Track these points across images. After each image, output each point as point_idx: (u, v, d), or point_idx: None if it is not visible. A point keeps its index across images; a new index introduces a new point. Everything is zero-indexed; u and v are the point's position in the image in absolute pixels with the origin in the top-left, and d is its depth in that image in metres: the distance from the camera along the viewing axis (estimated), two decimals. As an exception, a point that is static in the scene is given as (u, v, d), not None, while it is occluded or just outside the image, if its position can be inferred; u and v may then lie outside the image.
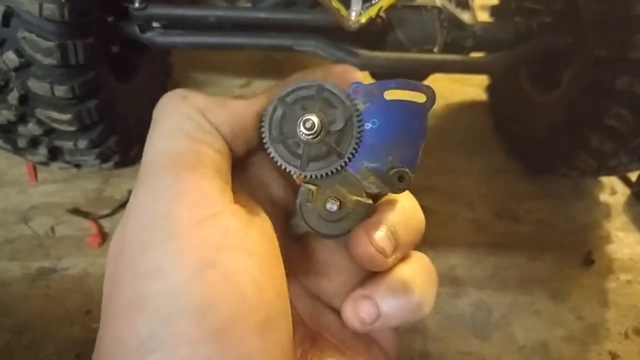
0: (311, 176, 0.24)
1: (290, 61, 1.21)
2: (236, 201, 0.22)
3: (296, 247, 0.27)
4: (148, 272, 0.19)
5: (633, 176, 1.00)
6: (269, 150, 0.24)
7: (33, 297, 0.77)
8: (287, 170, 0.24)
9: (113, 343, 0.18)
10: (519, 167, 1.03)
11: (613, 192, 1.01)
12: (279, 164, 0.24)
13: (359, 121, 0.24)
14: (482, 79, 1.17)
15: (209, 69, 1.20)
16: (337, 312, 0.26)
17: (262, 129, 0.24)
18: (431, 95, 0.24)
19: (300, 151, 0.24)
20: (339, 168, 0.24)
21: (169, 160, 0.21)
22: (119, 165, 0.91)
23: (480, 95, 1.18)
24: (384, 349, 0.26)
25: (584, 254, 0.90)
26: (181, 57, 1.17)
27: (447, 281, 0.84)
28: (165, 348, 0.17)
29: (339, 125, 0.24)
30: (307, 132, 0.23)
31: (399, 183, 0.23)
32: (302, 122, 0.23)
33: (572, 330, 0.80)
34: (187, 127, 0.22)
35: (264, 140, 0.24)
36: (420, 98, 0.24)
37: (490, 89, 1.15)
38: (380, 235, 0.23)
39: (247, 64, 1.22)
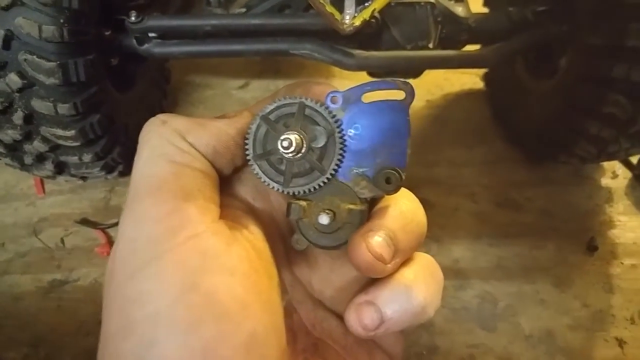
0: (295, 192, 0.24)
1: (287, 62, 1.22)
2: (224, 217, 0.23)
3: (300, 255, 0.27)
4: (133, 298, 0.19)
5: (634, 159, 1.01)
6: (252, 167, 0.24)
7: (47, 310, 0.79)
8: (271, 186, 0.24)
9: None
10: (519, 156, 1.03)
11: (615, 176, 1.01)
12: (262, 180, 0.24)
13: (341, 137, 0.24)
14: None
15: (207, 72, 1.20)
16: (340, 318, 0.26)
17: (246, 146, 0.24)
18: (409, 90, 0.24)
19: (283, 167, 0.24)
20: (322, 184, 0.24)
21: (151, 186, 0.21)
22: (124, 174, 0.92)
23: (478, 83, 1.17)
24: (389, 353, 0.27)
25: (586, 240, 0.90)
26: (179, 62, 1.18)
27: (452, 274, 0.86)
28: None
29: (321, 141, 0.24)
30: (285, 151, 0.23)
31: (388, 185, 0.24)
32: (280, 142, 0.23)
33: (577, 318, 0.81)
34: (168, 151, 0.22)
35: (248, 157, 0.24)
36: (399, 95, 0.24)
37: (487, 78, 1.15)
38: (377, 241, 0.22)
39: (244, 65, 1.22)
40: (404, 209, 0.24)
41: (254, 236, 0.23)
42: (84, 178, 0.86)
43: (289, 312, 0.26)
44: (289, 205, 0.25)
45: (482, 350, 0.77)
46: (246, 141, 0.24)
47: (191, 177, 0.22)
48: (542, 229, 0.93)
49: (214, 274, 0.20)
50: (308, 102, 0.24)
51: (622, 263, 0.88)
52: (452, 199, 0.96)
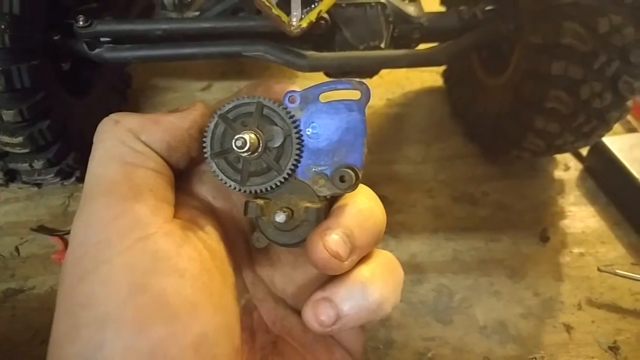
0: (252, 191, 0.25)
1: (250, 63, 1.22)
2: (181, 216, 0.23)
3: (262, 253, 0.27)
4: (81, 301, 0.19)
5: (585, 151, 1.04)
6: (210, 165, 0.25)
7: (0, 320, 0.78)
8: (228, 185, 0.25)
9: None
10: (477, 151, 1.06)
11: (566, 168, 1.05)
12: (219, 178, 0.25)
13: (298, 137, 0.25)
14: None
15: (169, 75, 1.20)
16: (300, 315, 0.26)
17: (204, 144, 0.25)
18: (365, 90, 0.25)
19: (240, 166, 0.24)
20: (279, 183, 0.25)
21: (102, 188, 0.22)
22: (82, 179, 0.91)
23: (437, 81, 1.20)
24: (348, 349, 0.27)
25: (539, 231, 0.93)
26: (140, 65, 1.17)
27: (409, 269, 0.87)
28: None
29: (277, 141, 0.24)
30: (240, 151, 0.24)
31: (342, 183, 0.24)
32: (234, 142, 0.23)
33: (529, 307, 0.84)
34: (120, 152, 0.23)
35: (205, 155, 0.25)
36: (355, 95, 0.25)
37: (446, 75, 1.17)
38: (334, 239, 0.23)
39: (207, 67, 1.22)
40: (361, 207, 0.25)
41: (208, 236, 0.23)
42: (38, 185, 0.85)
43: (249, 310, 0.26)
44: (246, 203, 0.25)
45: (438, 342, 0.79)
46: (204, 139, 0.25)
47: (143, 177, 0.22)
48: (498, 222, 0.95)
49: (164, 276, 0.20)
50: (266, 102, 0.24)
51: (571, 252, 0.91)
52: (410, 195, 0.98)
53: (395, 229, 0.92)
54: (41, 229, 0.89)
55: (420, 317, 0.82)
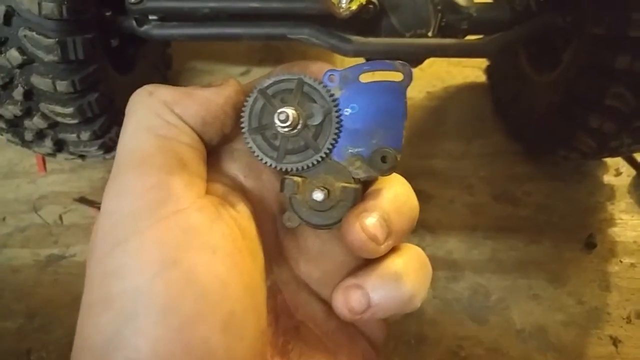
0: (288, 169, 0.24)
1: (288, 49, 1.22)
2: (212, 192, 0.23)
3: (289, 236, 0.27)
4: (112, 272, 0.19)
5: (639, 157, 0.98)
6: (246, 141, 0.24)
7: (43, 283, 0.81)
8: (264, 161, 0.24)
9: (81, 341, 0.19)
10: (519, 150, 1.02)
11: (618, 174, 0.99)
12: (256, 154, 0.24)
13: (337, 116, 0.24)
14: (481, 61, 1.15)
15: (208, 58, 1.21)
16: (324, 302, 0.26)
17: (242, 119, 0.24)
18: (407, 72, 0.24)
19: (277, 143, 0.24)
20: (316, 162, 0.24)
21: (135, 159, 0.21)
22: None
23: (480, 77, 1.16)
24: (371, 340, 0.26)
25: (585, 237, 0.89)
26: (181, 48, 1.19)
27: (445, 265, 0.85)
28: (128, 347, 0.18)
29: (317, 119, 0.24)
30: (281, 125, 0.23)
31: (383, 164, 0.24)
32: (276, 115, 0.23)
33: (572, 315, 0.80)
34: (154, 124, 0.22)
35: (242, 130, 0.24)
36: (397, 77, 0.24)
37: (489, 70, 1.13)
38: (372, 221, 0.22)
39: (246, 52, 1.23)
40: (397, 192, 0.24)
41: (240, 214, 0.23)
42: (82, 156, 0.87)
43: (273, 292, 0.25)
44: (282, 180, 0.25)
45: (472, 342, 0.77)
46: (242, 114, 0.24)
47: (177, 150, 0.22)
48: (539, 224, 0.91)
49: (196, 252, 0.20)
50: (307, 79, 0.24)
51: (620, 261, 0.86)
52: (448, 191, 0.95)
53: (432, 224, 0.89)
54: (83, 200, 0.91)
55: (454, 315, 0.79)
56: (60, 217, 0.90)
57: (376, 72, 0.25)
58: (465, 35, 0.90)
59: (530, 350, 0.76)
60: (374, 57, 0.89)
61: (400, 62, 0.24)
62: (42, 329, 0.76)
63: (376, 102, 0.24)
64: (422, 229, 0.88)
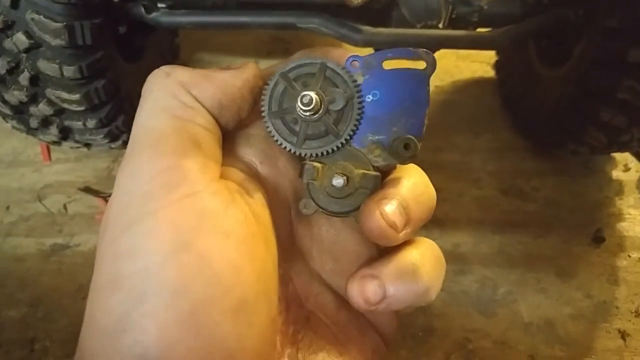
0: (306, 154, 0.24)
1: (296, 41, 1.21)
2: (227, 177, 0.22)
3: (303, 223, 0.26)
4: (124, 252, 0.19)
5: (648, 153, 0.98)
6: (266, 125, 0.24)
7: (47, 272, 0.80)
8: (283, 146, 0.24)
9: (89, 323, 0.19)
10: (527, 145, 1.01)
11: (626, 169, 0.99)
12: (275, 138, 0.24)
13: (360, 102, 0.24)
14: (490, 56, 1.15)
15: (216, 50, 1.20)
16: (336, 293, 0.26)
17: (262, 103, 0.24)
18: (431, 61, 0.24)
19: (297, 128, 0.24)
20: (335, 148, 0.24)
21: (150, 140, 0.21)
22: (127, 144, 0.93)
23: (488, 72, 1.15)
24: (381, 332, 0.26)
25: (593, 231, 0.88)
26: (188, 39, 1.18)
27: (452, 258, 0.84)
28: (136, 329, 0.17)
29: (339, 104, 0.23)
30: (304, 109, 0.23)
31: (405, 151, 0.23)
32: (300, 98, 0.23)
33: (580, 308, 0.79)
34: (170, 105, 0.22)
35: (263, 114, 0.24)
36: (420, 65, 0.24)
37: (498, 65, 1.13)
38: (391, 208, 0.22)
39: (253, 44, 1.22)
40: (416, 181, 0.24)
41: (254, 201, 0.23)
42: (88, 145, 0.86)
43: (285, 281, 0.25)
44: (302, 165, 0.24)
45: (479, 334, 0.76)
46: (262, 98, 0.24)
47: (192, 132, 0.21)
48: (548, 219, 0.91)
49: (209, 235, 0.19)
50: (329, 64, 0.24)
51: (629, 256, 0.86)
52: (456, 185, 0.94)
53: (439, 217, 0.89)
54: (87, 189, 0.91)
55: (462, 308, 0.79)
56: (65, 207, 0.89)
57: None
58: (475, 28, 0.89)
59: (538, 343, 0.75)
60: (385, 48, 0.88)
61: (424, 50, 0.24)
62: (46, 318, 0.75)
63: (399, 90, 0.24)
64: (429, 222, 0.87)
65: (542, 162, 0.99)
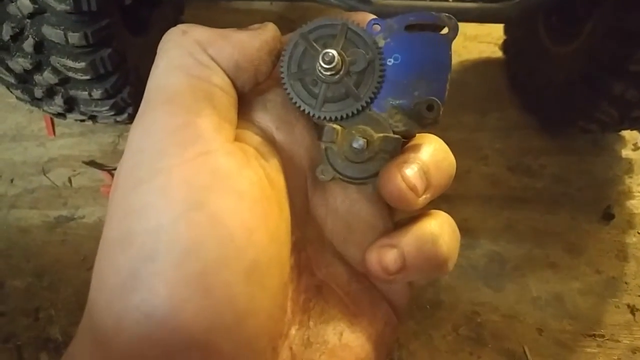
0: (325, 117, 0.23)
1: (302, 20, 1.19)
2: (241, 140, 0.22)
3: (319, 192, 0.26)
4: (135, 209, 0.18)
5: (657, 132, 0.97)
6: (285, 86, 0.23)
7: (51, 244, 0.80)
8: (302, 108, 0.23)
9: (97, 281, 0.18)
10: (534, 124, 1.00)
11: (636, 148, 0.98)
12: (293, 101, 0.23)
13: (381, 65, 0.23)
14: (497, 36, 1.14)
15: (222, 28, 1.19)
16: (348, 264, 0.25)
17: (281, 64, 0.23)
18: (454, 25, 0.23)
19: (317, 90, 0.23)
20: (355, 112, 0.23)
21: (165, 97, 0.20)
22: (133, 118, 0.92)
23: (496, 52, 1.14)
24: (393, 304, 0.26)
25: (602, 209, 0.87)
26: (193, 18, 1.17)
27: (460, 232, 0.82)
28: (145, 288, 0.17)
29: (360, 66, 0.23)
30: (326, 67, 0.22)
31: (429, 113, 0.23)
32: (321, 56, 0.22)
33: (589, 283, 0.79)
34: (186, 63, 0.21)
35: (281, 75, 0.23)
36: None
37: (505, 45, 1.12)
38: (412, 172, 0.22)
39: (261, 23, 1.21)
40: (437, 147, 0.24)
41: (269, 165, 0.22)
42: (93, 118, 0.85)
43: (298, 249, 0.24)
44: (321, 128, 0.24)
45: (488, 308, 0.75)
46: (281, 59, 0.23)
47: (208, 92, 0.21)
48: (556, 196, 0.90)
49: (222, 195, 0.19)
50: (351, 25, 0.23)
51: (638, 233, 0.85)
52: (464, 162, 0.93)
53: (447, 193, 0.86)
54: (92, 163, 0.90)
55: (470, 282, 0.78)
56: (70, 180, 0.88)
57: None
58: (486, 1, 0.88)
59: (547, 317, 0.75)
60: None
61: (447, 14, 0.23)
62: (51, 287, 0.75)
63: (420, 54, 0.23)
64: (437, 197, 0.86)
65: (549, 141, 0.98)
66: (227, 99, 0.22)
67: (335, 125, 0.23)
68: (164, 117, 0.20)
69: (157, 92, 0.21)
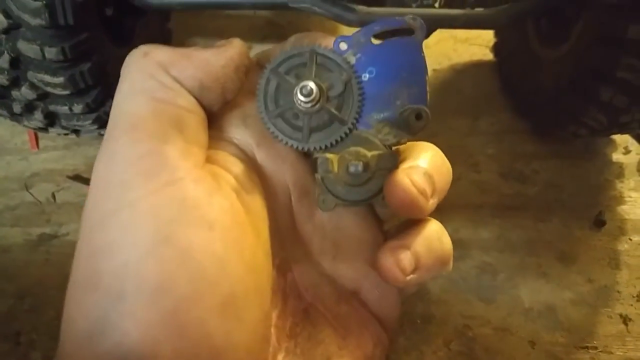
0: (315, 148, 0.23)
1: (291, 26, 1.18)
2: (214, 161, 0.21)
3: (305, 210, 0.25)
4: (100, 247, 0.17)
5: (649, 136, 0.96)
6: (267, 126, 0.22)
7: (34, 263, 0.78)
8: (289, 144, 0.23)
9: (67, 323, 0.17)
10: (526, 128, 0.99)
11: (627, 152, 0.97)
12: (279, 138, 0.23)
13: (358, 82, 0.23)
14: (488, 39, 1.12)
15: (209, 35, 1.17)
16: (336, 285, 0.25)
17: (258, 104, 0.23)
18: (420, 25, 0.23)
19: (300, 123, 0.22)
20: (344, 135, 0.23)
21: (127, 124, 0.20)
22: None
23: (487, 55, 1.13)
24: (383, 321, 0.25)
25: (594, 215, 0.87)
26: (181, 24, 1.15)
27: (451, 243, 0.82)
28: (116, 331, 0.16)
29: (338, 89, 0.22)
30: (305, 100, 0.22)
31: (418, 122, 0.22)
32: (298, 90, 0.22)
33: (581, 293, 0.78)
34: (149, 86, 0.20)
35: (261, 115, 0.22)
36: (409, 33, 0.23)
37: (496, 48, 1.10)
38: (419, 177, 0.22)
39: (248, 29, 1.19)
40: (434, 153, 0.24)
41: (242, 186, 0.21)
42: (76, 132, 0.84)
43: (283, 271, 0.24)
44: (314, 160, 0.23)
45: (479, 322, 0.75)
46: (257, 98, 0.23)
47: (173, 115, 0.20)
48: (548, 202, 0.89)
49: (191, 227, 0.18)
50: (319, 49, 0.22)
51: (630, 239, 0.84)
52: (454, 168, 0.91)
53: (437, 201, 0.87)
54: (77, 177, 0.88)
55: (461, 294, 0.77)
56: (53, 195, 0.86)
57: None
58: (473, 8, 0.86)
59: (539, 329, 0.74)
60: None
61: (411, 16, 0.23)
62: (33, 310, 0.73)
63: (394, 61, 0.23)
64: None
65: (542, 145, 0.97)
66: (195, 120, 0.21)
67: (327, 155, 0.23)
68: (127, 145, 0.19)
69: (120, 119, 0.20)
